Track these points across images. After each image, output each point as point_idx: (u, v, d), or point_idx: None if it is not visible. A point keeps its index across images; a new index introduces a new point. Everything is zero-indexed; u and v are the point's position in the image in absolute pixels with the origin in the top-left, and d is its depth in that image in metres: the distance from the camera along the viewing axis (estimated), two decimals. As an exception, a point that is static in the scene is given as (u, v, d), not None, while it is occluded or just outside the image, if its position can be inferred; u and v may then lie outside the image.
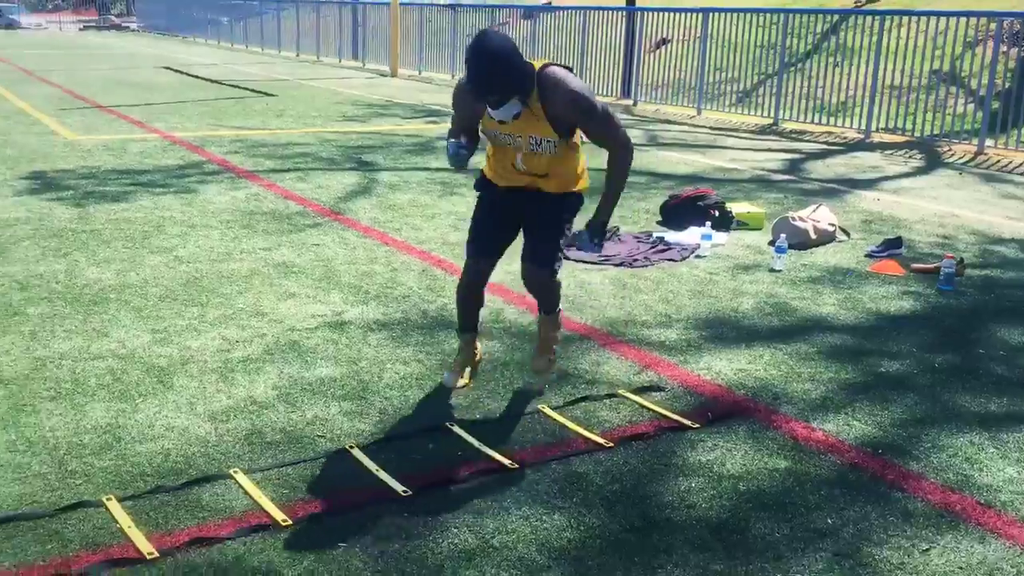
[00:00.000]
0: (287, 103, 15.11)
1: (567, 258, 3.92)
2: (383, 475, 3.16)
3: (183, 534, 2.77)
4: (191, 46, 34.18)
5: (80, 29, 53.28)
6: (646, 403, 3.83)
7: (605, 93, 17.06)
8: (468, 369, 3.97)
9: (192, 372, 4.01)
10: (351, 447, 3.36)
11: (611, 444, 3.45)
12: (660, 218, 7.27)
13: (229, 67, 22.98)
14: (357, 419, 3.62)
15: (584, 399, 3.86)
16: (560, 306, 3.99)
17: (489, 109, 3.46)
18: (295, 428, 3.52)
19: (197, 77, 19.71)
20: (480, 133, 3.70)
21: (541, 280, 3.79)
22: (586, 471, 3.26)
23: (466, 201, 7.80)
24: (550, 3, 22.94)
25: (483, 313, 4.01)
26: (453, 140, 3.65)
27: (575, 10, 17.78)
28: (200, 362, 4.13)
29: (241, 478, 3.12)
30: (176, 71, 21.19)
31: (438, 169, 9.27)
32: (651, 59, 16.56)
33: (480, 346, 4.06)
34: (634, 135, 12.36)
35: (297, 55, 28.68)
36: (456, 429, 3.54)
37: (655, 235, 6.66)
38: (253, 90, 17.23)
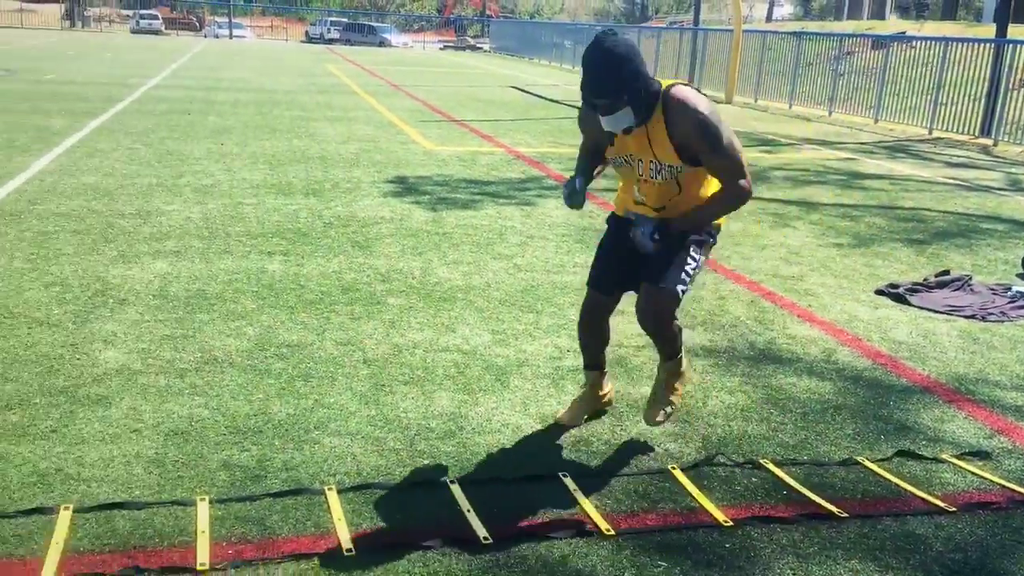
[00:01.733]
0: (622, 125, 15.50)
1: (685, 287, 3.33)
2: (704, 500, 3.16)
3: (515, 526, 2.94)
4: (536, 67, 36.09)
5: (440, 48, 58.22)
6: (995, 478, 3.49)
7: (960, 131, 15.77)
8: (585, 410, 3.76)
9: (526, 374, 4.24)
10: (673, 468, 3.39)
11: (953, 509, 3.19)
12: (1021, 271, 6.59)
13: (570, 88, 23.98)
14: (680, 441, 3.64)
15: (922, 457, 3.60)
16: (683, 354, 3.59)
17: (601, 119, 3.16)
18: (619, 442, 3.61)
19: (540, 97, 20.78)
20: (607, 157, 3.48)
21: (657, 303, 3.32)
22: (924, 533, 3.04)
23: (799, 234, 7.56)
24: (904, 33, 21.57)
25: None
26: (568, 179, 3.47)
27: (935, 40, 16.61)
28: (534, 366, 4.35)
29: (568, 482, 3.25)
30: (521, 90, 22.49)
31: (771, 200, 9.06)
32: (1017, 96, 15.05)
33: (611, 386, 3.87)
34: (992, 177, 11.40)
35: (634, 79, 29.26)
36: (773, 467, 3.44)
37: (1015, 289, 6.05)
38: (591, 111, 17.83)
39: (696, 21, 29.20)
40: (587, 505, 3.10)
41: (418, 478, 3.21)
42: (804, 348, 4.81)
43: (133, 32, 56.51)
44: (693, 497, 3.19)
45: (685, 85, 3.22)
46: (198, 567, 2.60)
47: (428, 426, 3.64)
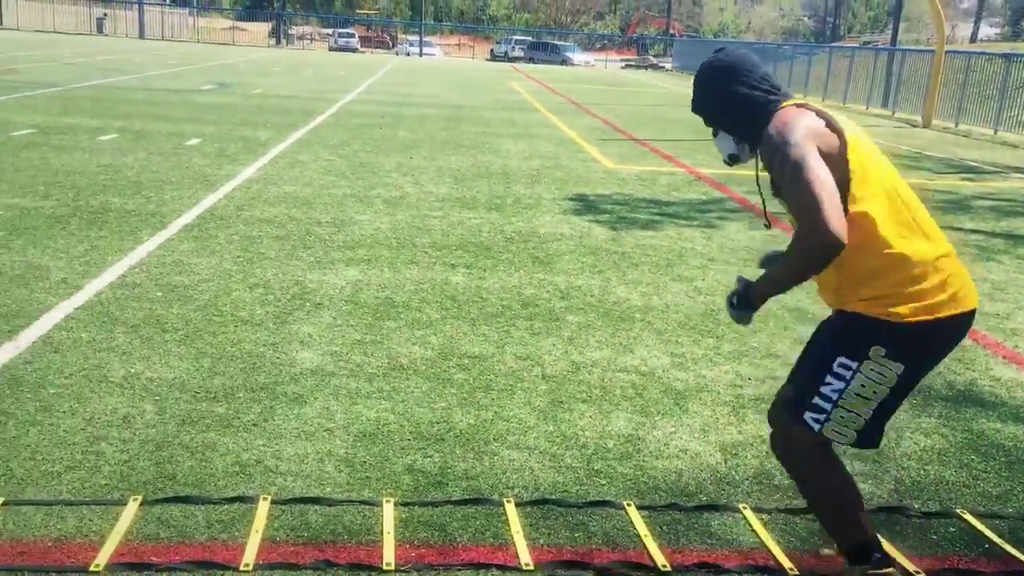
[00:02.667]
0: (810, 148, 15.00)
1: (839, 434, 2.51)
2: (893, 548, 2.99)
3: (693, 555, 2.89)
4: (718, 87, 35.44)
5: (622, 67, 58.26)
6: None
7: None
8: None
9: (705, 400, 4.16)
10: (860, 510, 3.23)
11: None
12: None
13: (754, 109, 23.40)
14: (870, 482, 3.46)
15: None
16: (880, 568, 2.55)
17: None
18: (804, 477, 3.48)
19: (723, 117, 20.40)
20: None
21: (782, 432, 2.65)
22: None
23: (1004, 269, 7.06)
24: None
25: None
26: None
27: None
28: (714, 392, 4.27)
29: (749, 515, 3.16)
30: (703, 110, 22.15)
31: (972, 231, 8.52)
32: None
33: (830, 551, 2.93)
34: None
35: (823, 100, 28.28)
36: (971, 519, 3.22)
37: None
38: (776, 133, 17.36)
39: (894, 41, 27.91)
40: (768, 541, 3.00)
41: (595, 498, 3.21)
42: (1010, 392, 4.48)
43: (331, 49, 59.64)
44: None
45: (797, 106, 2.52)
46: (384, 566, 2.70)
47: (605, 446, 3.64)
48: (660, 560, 2.82)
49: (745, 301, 2.59)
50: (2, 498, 2.93)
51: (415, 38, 64.34)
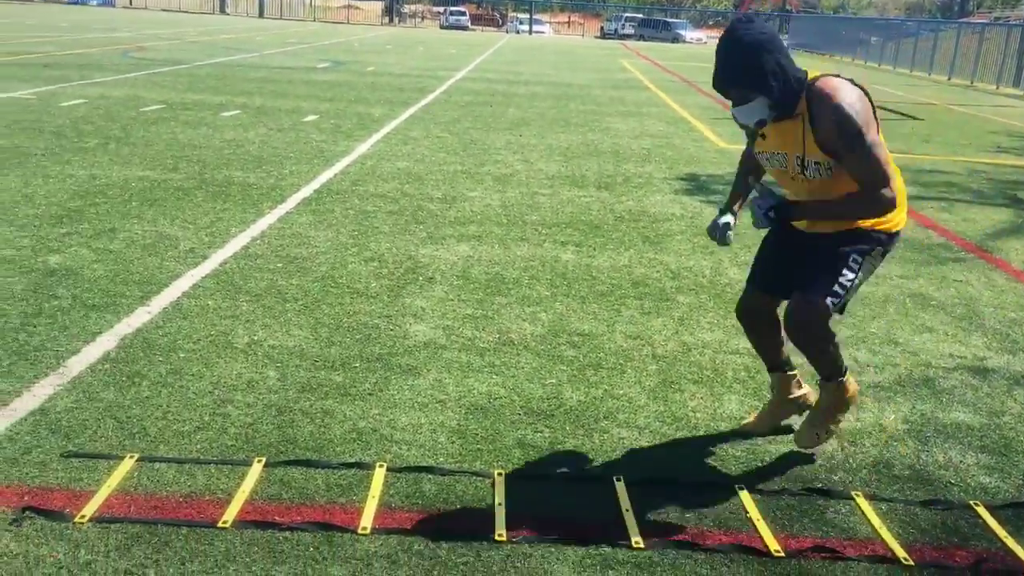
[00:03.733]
0: (934, 128, 14.40)
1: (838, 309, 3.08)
2: (1011, 542, 2.88)
3: (806, 541, 2.84)
4: (838, 64, 34.31)
5: (734, 44, 56.82)
6: None
7: None
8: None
9: (821, 386, 4.07)
10: (976, 504, 3.12)
11: None
12: None
13: (873, 87, 22.57)
14: (996, 475, 3.33)
15: None
16: (846, 376, 3.28)
17: (732, 111, 3.00)
18: (924, 468, 3.37)
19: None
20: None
21: (805, 314, 3.06)
22: None
23: None
24: None
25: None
26: (713, 221, 3.30)
27: None
28: (830, 378, 4.16)
29: (863, 503, 3.09)
30: (821, 88, 21.47)
31: (1113, 217, 8.04)
32: None
33: (806, 389, 3.52)
34: None
35: (948, 79, 27.06)
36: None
37: None
38: (899, 112, 16.72)
39: (1028, 15, 26.39)
40: (883, 530, 2.93)
41: (705, 479, 3.19)
42: None
43: (442, 27, 60.22)
44: (1002, 541, 2.91)
45: (836, 76, 3.00)
46: (496, 537, 2.74)
47: (716, 428, 3.60)
48: (773, 545, 2.79)
49: (782, 214, 3.06)
50: (137, 454, 3.10)
51: (525, 16, 64.30)
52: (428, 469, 3.13)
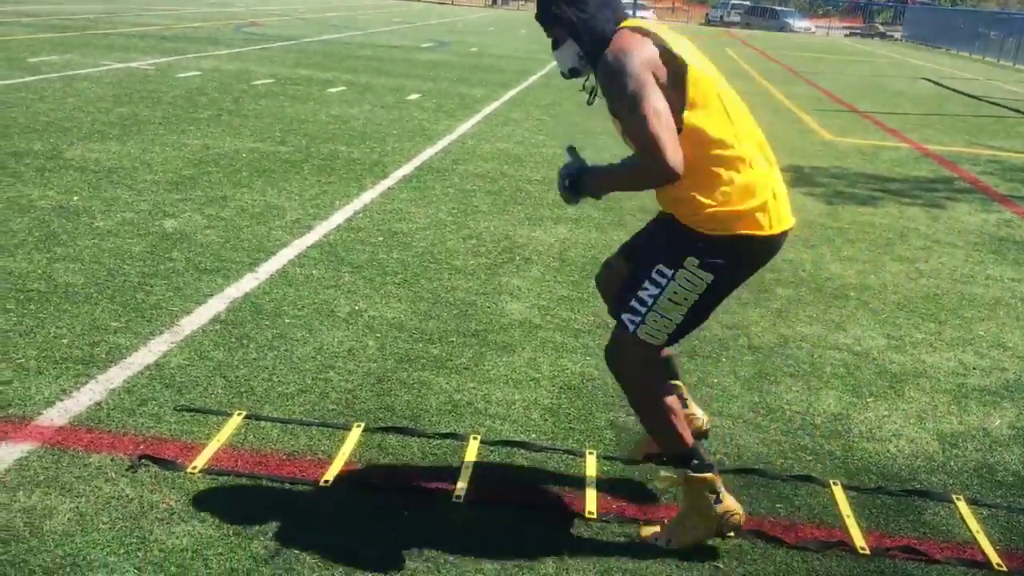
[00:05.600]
0: (1056, 128, 13.73)
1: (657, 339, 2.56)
2: None
3: (898, 541, 2.79)
4: (953, 59, 33.05)
5: (845, 35, 55.29)
6: None
7: None
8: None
9: (924, 387, 3.97)
10: (1092, 517, 3.01)
11: None
12: None
13: (991, 83, 21.70)
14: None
15: None
16: (708, 474, 2.59)
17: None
18: (1029, 476, 3.28)
19: (956, 91, 19.03)
20: None
21: (610, 344, 2.63)
22: None
23: None
24: None
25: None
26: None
27: None
28: (933, 379, 4.06)
29: (963, 507, 3.01)
30: (935, 83, 20.74)
31: None
32: None
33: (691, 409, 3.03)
34: None
35: (1074, 76, 25.75)
36: None
37: None
38: (1017, 110, 16.02)
39: None
40: (980, 535, 2.86)
41: (799, 473, 3.16)
42: None
43: (544, 10, 59.97)
44: (1118, 554, 2.81)
45: (637, 27, 2.50)
46: (587, 515, 2.78)
47: (812, 422, 3.55)
48: (860, 542, 2.75)
49: (576, 187, 2.62)
50: (244, 412, 3.24)
51: (629, 2, 63.64)
52: (521, 444, 3.18)
